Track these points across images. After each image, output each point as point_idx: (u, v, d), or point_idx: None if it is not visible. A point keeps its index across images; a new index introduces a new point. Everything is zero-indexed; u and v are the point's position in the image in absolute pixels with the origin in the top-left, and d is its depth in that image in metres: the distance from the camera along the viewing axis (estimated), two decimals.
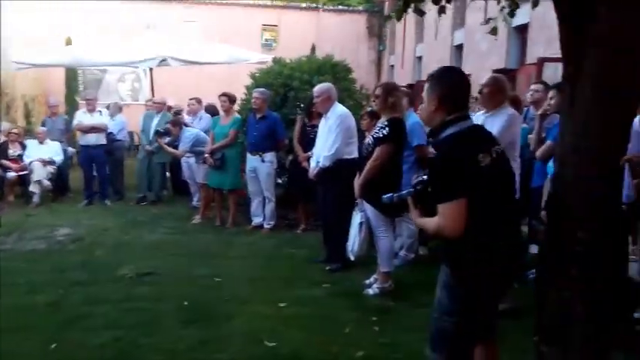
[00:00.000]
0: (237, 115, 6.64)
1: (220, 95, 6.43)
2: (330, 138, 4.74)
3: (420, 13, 3.37)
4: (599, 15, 1.91)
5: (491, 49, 9.30)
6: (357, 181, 4.17)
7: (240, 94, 7.26)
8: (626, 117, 2.04)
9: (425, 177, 2.31)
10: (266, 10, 16.96)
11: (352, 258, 4.41)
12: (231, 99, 6.39)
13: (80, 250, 5.77)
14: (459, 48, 11.03)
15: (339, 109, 4.88)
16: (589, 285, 1.98)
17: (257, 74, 7.26)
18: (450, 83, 2.27)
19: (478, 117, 3.70)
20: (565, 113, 2.14)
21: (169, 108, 8.80)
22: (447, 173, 2.11)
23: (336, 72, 7.11)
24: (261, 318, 3.82)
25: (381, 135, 4.00)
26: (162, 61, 9.54)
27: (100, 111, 8.11)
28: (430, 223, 2.21)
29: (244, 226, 6.74)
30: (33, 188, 8.06)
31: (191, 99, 7.77)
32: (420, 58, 13.92)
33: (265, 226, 6.54)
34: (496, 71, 9.72)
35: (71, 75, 16.01)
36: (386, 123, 4.02)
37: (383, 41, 17.29)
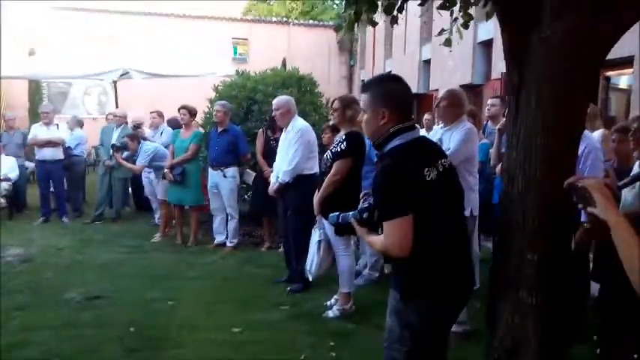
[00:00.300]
0: (198, 129, 6.43)
1: (180, 108, 6.21)
2: (290, 152, 4.58)
3: (372, 23, 3.26)
4: (542, 21, 1.80)
5: (457, 65, 9.35)
6: (316, 197, 4.01)
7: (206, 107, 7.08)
8: (572, 127, 1.92)
9: (369, 204, 2.16)
10: (237, 24, 16.86)
11: (310, 278, 4.22)
12: (191, 112, 6.18)
13: (29, 271, 5.44)
14: (427, 63, 11.08)
15: (299, 122, 4.73)
16: (540, 309, 1.84)
17: (220, 87, 7.08)
18: (398, 92, 2.12)
19: (437, 131, 3.59)
20: (510, 125, 2.01)
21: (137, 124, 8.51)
22: (392, 188, 1.95)
23: (302, 85, 7.00)
24: (213, 345, 3.59)
25: (339, 149, 3.86)
26: (125, 74, 9.31)
27: (57, 125, 7.77)
28: (377, 241, 2.06)
29: (207, 244, 6.50)
30: None
31: (152, 112, 7.52)
32: (389, 72, 13.97)
33: (228, 244, 6.31)
34: (462, 86, 9.82)
35: (35, 88, 15.56)
36: (344, 137, 3.88)
37: (354, 56, 17.34)
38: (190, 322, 3.99)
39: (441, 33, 3.67)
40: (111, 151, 7.20)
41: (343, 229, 2.31)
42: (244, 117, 6.70)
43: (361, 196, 2.33)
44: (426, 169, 1.97)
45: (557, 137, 1.86)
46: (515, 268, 1.92)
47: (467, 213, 3.45)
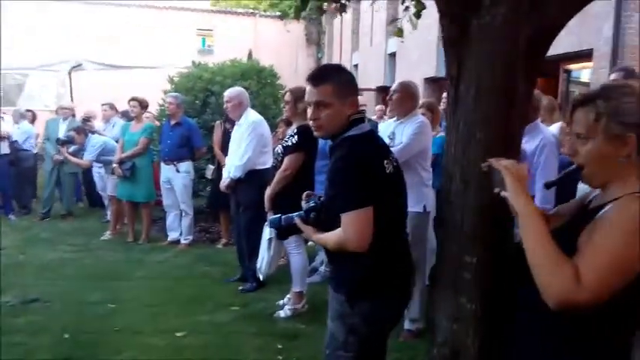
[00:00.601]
0: (148, 122, 6.13)
1: (130, 100, 5.89)
2: (242, 146, 4.35)
3: (321, 11, 3.08)
4: (482, 6, 1.64)
5: (421, 58, 9.26)
6: (267, 193, 3.81)
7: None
8: (514, 120, 1.76)
9: (315, 203, 2.02)
10: (202, 15, 16.44)
11: (261, 277, 4.02)
12: (141, 104, 5.86)
13: None
14: (393, 56, 10.98)
15: (251, 115, 4.49)
16: (479, 315, 1.70)
17: (176, 78, 6.78)
18: (354, 81, 2.02)
19: (389, 124, 3.44)
20: (449, 119, 1.85)
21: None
22: (353, 176, 1.81)
23: (262, 77, 6.77)
24: (153, 351, 3.36)
25: (290, 144, 3.66)
26: (78, 66, 8.89)
27: (2, 117, 7.32)
28: (330, 237, 1.90)
29: (160, 241, 6.22)
30: None
31: (104, 104, 7.16)
32: (356, 66, 13.83)
33: (182, 241, 6.06)
34: (427, 79, 9.75)
35: None
36: (295, 131, 3.68)
37: (321, 49, 17.14)
38: (131, 327, 3.74)
39: (392, 22, 3.50)
40: (57, 145, 6.83)
41: (286, 232, 2.12)
42: (201, 109, 6.42)
43: (304, 196, 2.13)
44: (386, 162, 1.89)
45: (498, 131, 1.70)
46: (454, 272, 1.76)
47: (419, 209, 3.31)
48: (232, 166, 4.43)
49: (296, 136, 3.65)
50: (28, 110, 8.75)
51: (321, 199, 2.04)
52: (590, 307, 1.17)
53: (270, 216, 3.83)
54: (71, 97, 9.79)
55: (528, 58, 1.65)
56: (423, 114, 3.70)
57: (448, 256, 1.82)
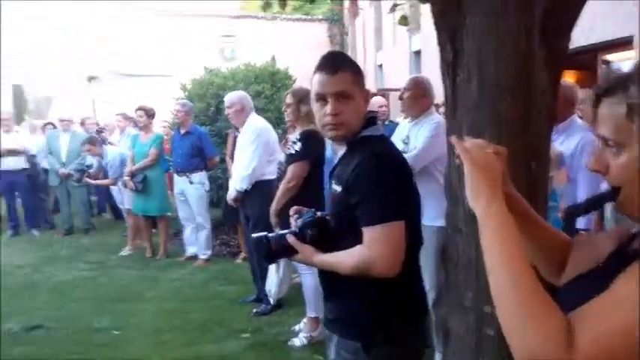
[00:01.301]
0: (158, 132, 5.88)
1: (136, 109, 5.65)
2: (246, 156, 4.00)
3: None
4: None
5: None
6: (272, 208, 3.45)
7: None
8: (533, 119, 1.33)
9: (312, 217, 1.60)
10: (223, 21, 16.30)
11: (272, 301, 3.66)
12: (148, 113, 5.60)
13: None
14: (418, 54, 10.52)
15: (255, 121, 4.13)
16: None
17: (188, 85, 6.53)
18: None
19: (403, 127, 3.03)
20: (448, 119, 1.44)
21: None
22: (386, 182, 1.45)
23: (276, 80, 6.44)
24: None
25: (294, 151, 3.30)
26: (96, 77, 8.81)
27: (17, 131, 7.26)
28: (345, 258, 1.50)
29: (179, 256, 5.97)
30: None
31: (118, 114, 6.98)
32: (380, 66, 13.39)
33: (200, 256, 5.77)
34: None
35: (19, 93, 15.09)
36: (298, 136, 3.31)
37: (345, 50, 16.77)
38: (132, 357, 3.46)
39: (393, 9, 3.09)
40: (66, 167, 6.71)
41: (274, 253, 1.70)
42: (213, 117, 6.14)
43: (292, 212, 1.71)
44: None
45: (515, 135, 1.27)
46: (473, 326, 1.36)
47: (441, 222, 2.88)
48: (238, 177, 4.09)
49: (299, 143, 3.28)
50: (48, 123, 8.72)
51: (319, 213, 1.66)
52: None
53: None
54: (93, 108, 9.74)
55: (548, 38, 1.22)
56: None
57: (462, 304, 1.41)
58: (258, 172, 3.99)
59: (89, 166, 6.39)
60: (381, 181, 1.46)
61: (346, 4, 15.15)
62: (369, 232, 1.44)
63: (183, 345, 3.64)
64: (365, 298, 1.53)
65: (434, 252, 2.78)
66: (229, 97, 4.21)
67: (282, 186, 3.35)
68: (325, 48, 16.65)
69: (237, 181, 4.05)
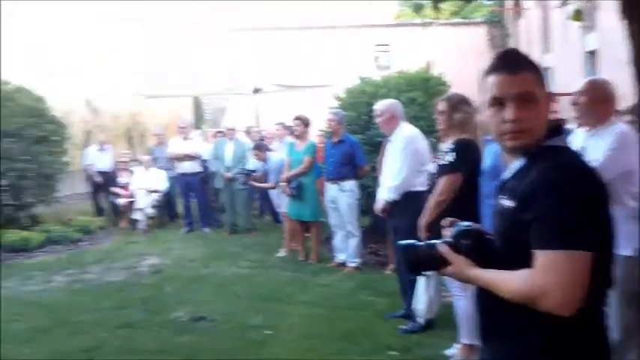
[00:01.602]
0: (312, 140, 6.10)
1: (294, 119, 5.95)
2: (396, 165, 3.90)
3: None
4: None
5: None
6: (421, 222, 3.30)
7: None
8: None
9: (468, 227, 1.42)
10: (377, 30, 16.47)
11: (420, 321, 3.48)
12: (304, 122, 5.85)
13: (153, 284, 5.61)
14: (593, 54, 9.37)
15: (405, 129, 4.00)
16: None
17: (342, 94, 6.67)
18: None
19: (578, 137, 2.65)
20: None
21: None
22: (579, 202, 1.22)
23: (429, 87, 6.24)
24: None
25: (446, 162, 3.10)
26: (257, 90, 9.50)
27: (192, 138, 8.17)
28: (509, 278, 1.28)
29: (329, 262, 6.10)
30: (136, 215, 8.36)
31: (277, 124, 7.44)
32: (548, 69, 12.23)
33: (349, 264, 5.82)
34: None
35: (197, 103, 16.99)
36: (452, 146, 3.11)
37: None
38: (282, 359, 3.58)
39: (565, 3, 2.70)
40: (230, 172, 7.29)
41: (418, 263, 1.48)
42: (365, 125, 6.17)
43: (444, 222, 1.51)
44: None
45: None
46: None
47: (628, 252, 2.45)
48: (386, 187, 4.01)
49: (453, 153, 3.07)
50: (219, 131, 9.62)
51: (478, 226, 1.45)
52: None
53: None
54: (256, 118, 10.51)
55: None
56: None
57: None
58: (408, 183, 3.86)
59: (253, 171, 6.93)
60: (569, 198, 1.21)
61: (508, 4, 14.23)
62: (544, 257, 1.20)
63: (331, 353, 3.64)
64: (535, 336, 1.27)
65: (620, 286, 2.37)
66: (379, 106, 4.17)
67: (431, 199, 3.18)
68: (485, 52, 15.82)
69: (386, 191, 3.96)
